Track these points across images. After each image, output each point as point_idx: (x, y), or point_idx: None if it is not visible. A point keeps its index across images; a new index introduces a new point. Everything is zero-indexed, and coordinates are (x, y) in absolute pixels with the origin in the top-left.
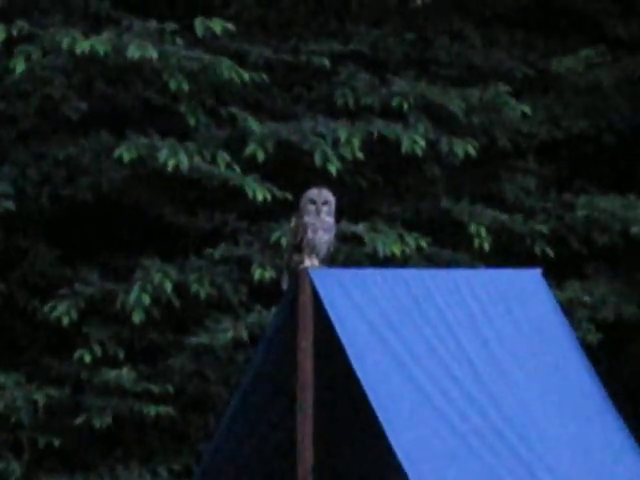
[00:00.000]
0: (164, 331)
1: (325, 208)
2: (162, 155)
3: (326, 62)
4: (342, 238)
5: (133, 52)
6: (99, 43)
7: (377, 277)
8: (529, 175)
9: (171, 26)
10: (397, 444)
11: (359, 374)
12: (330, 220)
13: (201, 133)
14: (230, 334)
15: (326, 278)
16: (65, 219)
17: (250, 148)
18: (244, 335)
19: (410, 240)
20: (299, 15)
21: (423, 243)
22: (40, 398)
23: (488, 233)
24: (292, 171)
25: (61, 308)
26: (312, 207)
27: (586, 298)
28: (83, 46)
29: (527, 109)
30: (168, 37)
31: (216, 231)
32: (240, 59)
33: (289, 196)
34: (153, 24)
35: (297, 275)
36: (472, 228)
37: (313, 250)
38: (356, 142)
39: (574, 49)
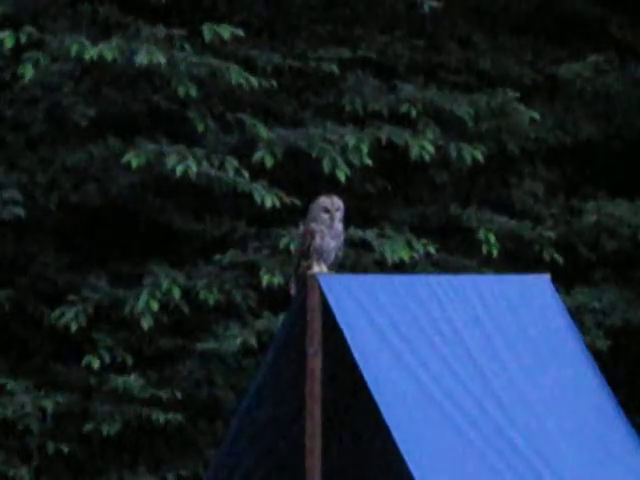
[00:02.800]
0: (172, 337)
1: (338, 215)
2: (170, 161)
3: (334, 68)
4: (350, 244)
5: (141, 58)
6: (107, 49)
7: (385, 282)
8: (537, 181)
9: (179, 32)
10: (404, 448)
11: (367, 379)
12: (339, 226)
13: (209, 139)
14: (239, 340)
15: (334, 284)
16: (73, 225)
17: (258, 154)
18: (253, 341)
19: (418, 246)
20: (307, 21)
21: (431, 249)
22: (49, 404)
23: (496, 239)
24: (300, 177)
25: (69, 314)
26: (326, 215)
27: (595, 304)
28: (91, 52)
29: (535, 115)
30: (176, 43)
31: (224, 237)
32: (248, 65)
33: (297, 202)
34: (161, 30)
35: (305, 281)
36: (480, 234)
37: (321, 256)
38: (364, 148)
39: (582, 55)
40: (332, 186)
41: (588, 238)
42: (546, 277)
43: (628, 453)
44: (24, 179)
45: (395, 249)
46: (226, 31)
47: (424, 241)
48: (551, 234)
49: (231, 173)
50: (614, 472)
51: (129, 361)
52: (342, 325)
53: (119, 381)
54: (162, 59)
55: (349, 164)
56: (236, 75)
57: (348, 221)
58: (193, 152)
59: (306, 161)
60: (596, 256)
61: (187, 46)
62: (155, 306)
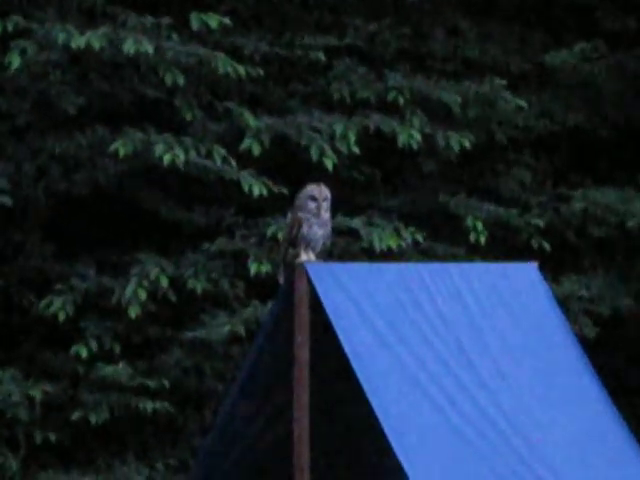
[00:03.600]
0: (160, 326)
1: (325, 204)
2: (158, 150)
3: (322, 56)
4: (338, 232)
5: (129, 47)
6: (95, 38)
7: (373, 271)
8: (525, 169)
9: (167, 21)
10: (394, 438)
11: (355, 368)
12: (326, 215)
13: (197, 128)
14: (227, 329)
15: (322, 272)
16: (61, 214)
17: (246, 143)
18: (241, 330)
19: (406, 234)
20: (295, 9)
21: (419, 237)
22: (37, 393)
23: (484, 227)
24: (288, 165)
25: (57, 303)
26: (313, 204)
27: (583, 292)
28: (79, 41)
29: (523, 103)
30: (164, 32)
31: (212, 226)
32: (236, 53)
33: (285, 191)
34: (149, 19)
35: (293, 269)
36: (468, 222)
37: (308, 245)
38: (352, 136)
39: (569, 43)
40: (320, 174)
41: (576, 226)
42: (534, 265)
43: (614, 438)
44: (11, 168)
45: (383, 237)
46: (213, 20)
47: (412, 229)
48: (539, 222)
49: (219, 161)
50: (598, 454)
51: (117, 350)
52: (330, 313)
53: (107, 370)
54: (149, 48)
55: (337, 152)
56: (223, 64)
57: (336, 209)
58: (180, 141)
59: (294, 149)
60: (584, 244)
61: (174, 35)
62: (143, 295)
